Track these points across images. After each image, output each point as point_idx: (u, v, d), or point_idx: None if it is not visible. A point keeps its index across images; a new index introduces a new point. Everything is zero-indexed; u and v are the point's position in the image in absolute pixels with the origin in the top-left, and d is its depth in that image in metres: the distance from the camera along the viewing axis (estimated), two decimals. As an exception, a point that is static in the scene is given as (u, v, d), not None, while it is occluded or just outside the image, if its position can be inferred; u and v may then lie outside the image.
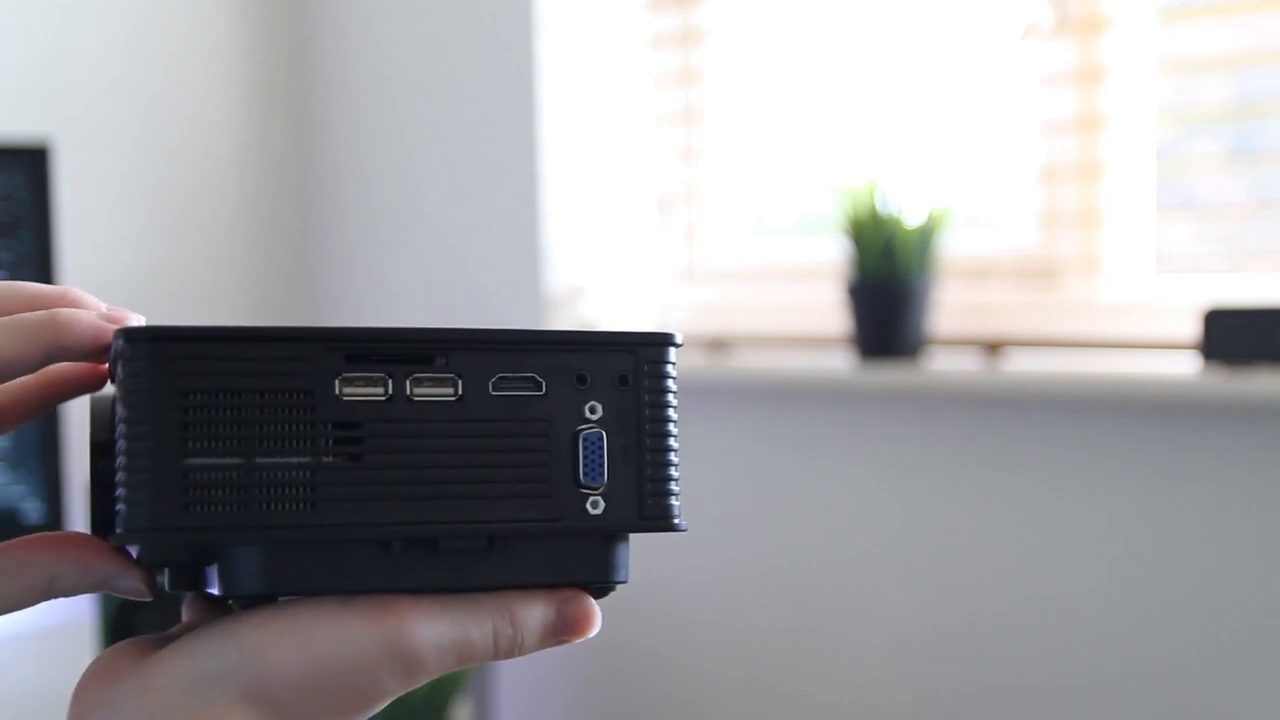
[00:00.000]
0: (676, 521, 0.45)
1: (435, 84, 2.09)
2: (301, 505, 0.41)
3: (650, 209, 2.05)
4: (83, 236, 1.88)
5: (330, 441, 0.42)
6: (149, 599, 0.47)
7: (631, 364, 0.44)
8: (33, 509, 1.36)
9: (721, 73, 1.97)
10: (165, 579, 0.46)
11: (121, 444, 0.41)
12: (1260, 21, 1.60)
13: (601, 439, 0.44)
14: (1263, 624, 1.47)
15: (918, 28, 1.82)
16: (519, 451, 0.43)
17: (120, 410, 0.42)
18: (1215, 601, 1.50)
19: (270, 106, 2.21)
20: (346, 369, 0.42)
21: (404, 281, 2.14)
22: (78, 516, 1.55)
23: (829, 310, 1.81)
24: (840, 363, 1.72)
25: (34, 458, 1.44)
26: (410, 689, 0.44)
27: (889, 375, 1.64)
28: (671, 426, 0.45)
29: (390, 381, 0.42)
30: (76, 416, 1.51)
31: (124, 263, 2.03)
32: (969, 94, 1.80)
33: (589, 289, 2.01)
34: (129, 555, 0.46)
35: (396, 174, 2.15)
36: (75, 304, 0.45)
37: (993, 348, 1.72)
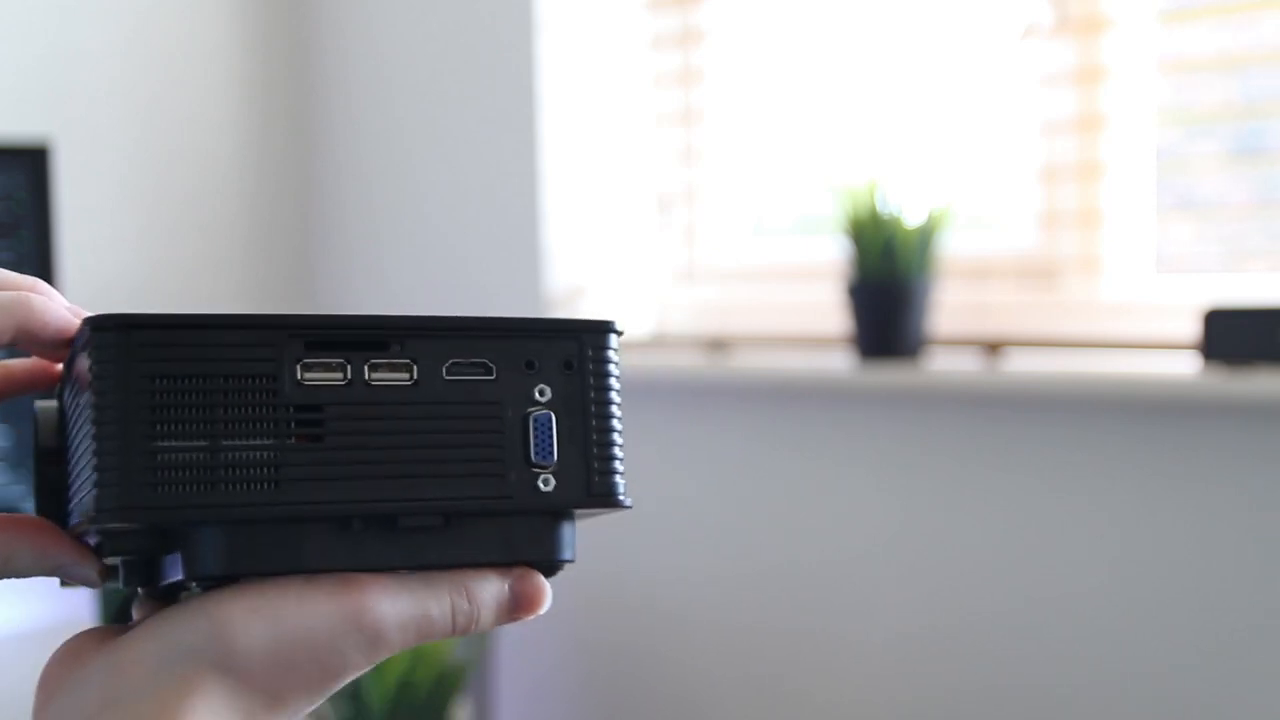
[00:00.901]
0: (622, 498, 0.47)
1: (435, 84, 2.09)
2: (266, 485, 0.43)
3: (650, 209, 2.05)
4: (83, 236, 1.88)
5: (293, 424, 0.43)
6: (98, 588, 0.48)
7: (576, 349, 0.47)
8: (32, 510, 1.36)
9: (721, 73, 1.97)
10: (120, 574, 0.47)
11: (88, 429, 0.42)
12: (1260, 21, 1.60)
13: (551, 420, 0.46)
14: (1263, 624, 1.47)
15: (918, 28, 1.82)
16: (472, 432, 0.45)
17: (87, 397, 0.43)
18: (1215, 601, 1.50)
19: (270, 106, 2.21)
20: (306, 355, 0.44)
21: (404, 281, 2.14)
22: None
23: (829, 310, 1.81)
24: (840, 363, 1.72)
25: (33, 458, 1.44)
26: (373, 664, 0.45)
27: (889, 375, 1.64)
28: (615, 409, 0.47)
29: (349, 366, 0.44)
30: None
31: (124, 263, 2.03)
32: (969, 94, 1.80)
33: (589, 289, 2.01)
34: (85, 544, 0.47)
35: (396, 174, 2.15)
36: (44, 295, 0.46)
37: (993, 348, 1.72)
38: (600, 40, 2.02)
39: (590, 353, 0.47)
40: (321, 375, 0.44)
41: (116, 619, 1.74)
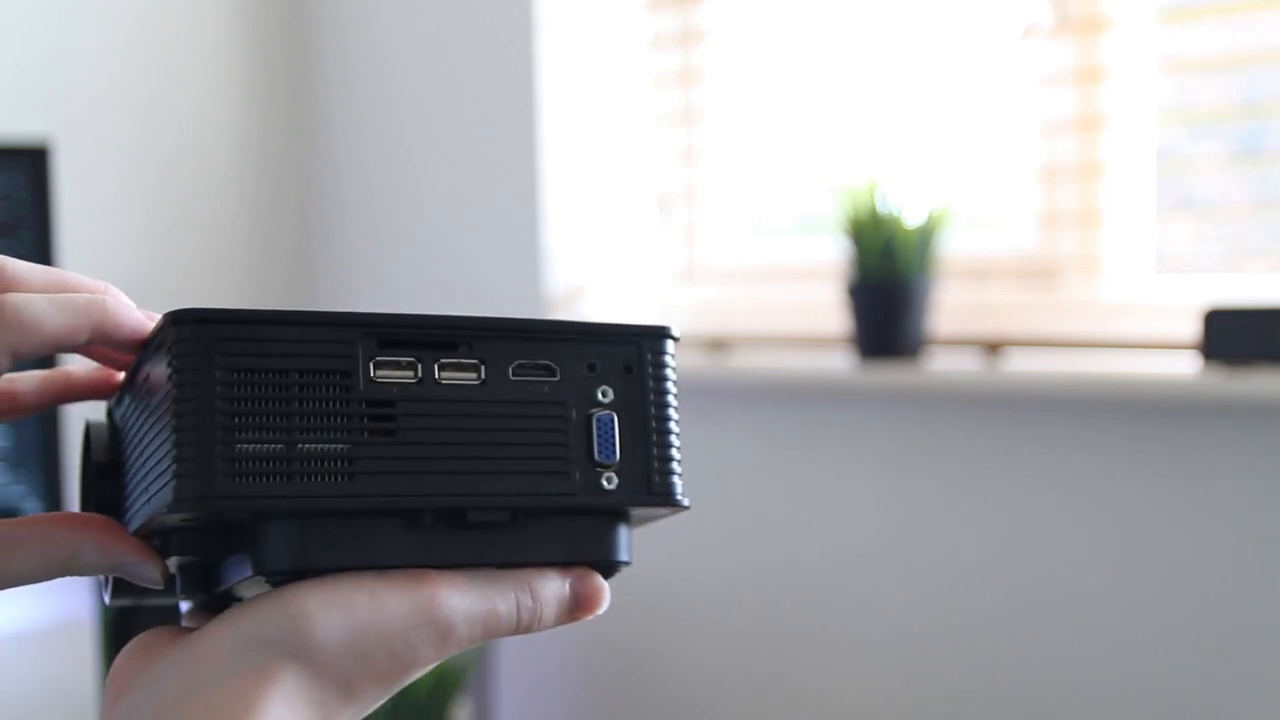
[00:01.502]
0: (680, 498, 0.48)
1: (435, 84, 2.09)
2: (340, 479, 0.44)
3: (650, 209, 2.05)
4: (83, 236, 1.88)
5: (365, 419, 0.44)
6: (161, 587, 0.48)
7: (635, 354, 0.48)
8: (33, 509, 1.36)
9: (721, 73, 1.97)
10: (178, 581, 0.48)
11: (166, 421, 0.43)
12: (1261, 22, 1.60)
13: (613, 420, 0.47)
14: (1263, 624, 1.47)
15: (918, 28, 1.82)
16: (537, 431, 0.46)
17: (163, 393, 0.44)
18: (1215, 601, 1.50)
19: (270, 106, 2.21)
20: (379, 353, 0.45)
21: (404, 281, 2.14)
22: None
23: (829, 310, 1.81)
24: (840, 363, 1.72)
25: (34, 458, 1.44)
26: (442, 658, 0.46)
27: (889, 375, 1.64)
28: (673, 411, 0.48)
29: (419, 365, 0.45)
30: (76, 418, 1.51)
31: (124, 263, 2.03)
32: (969, 94, 1.80)
33: (589, 289, 2.01)
34: (148, 544, 0.47)
35: (396, 174, 2.15)
36: (116, 298, 0.47)
37: (993, 348, 1.72)
38: (600, 40, 2.02)
39: (649, 357, 0.48)
40: (393, 373, 0.45)
41: (116, 621, 1.74)
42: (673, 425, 0.48)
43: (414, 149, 2.12)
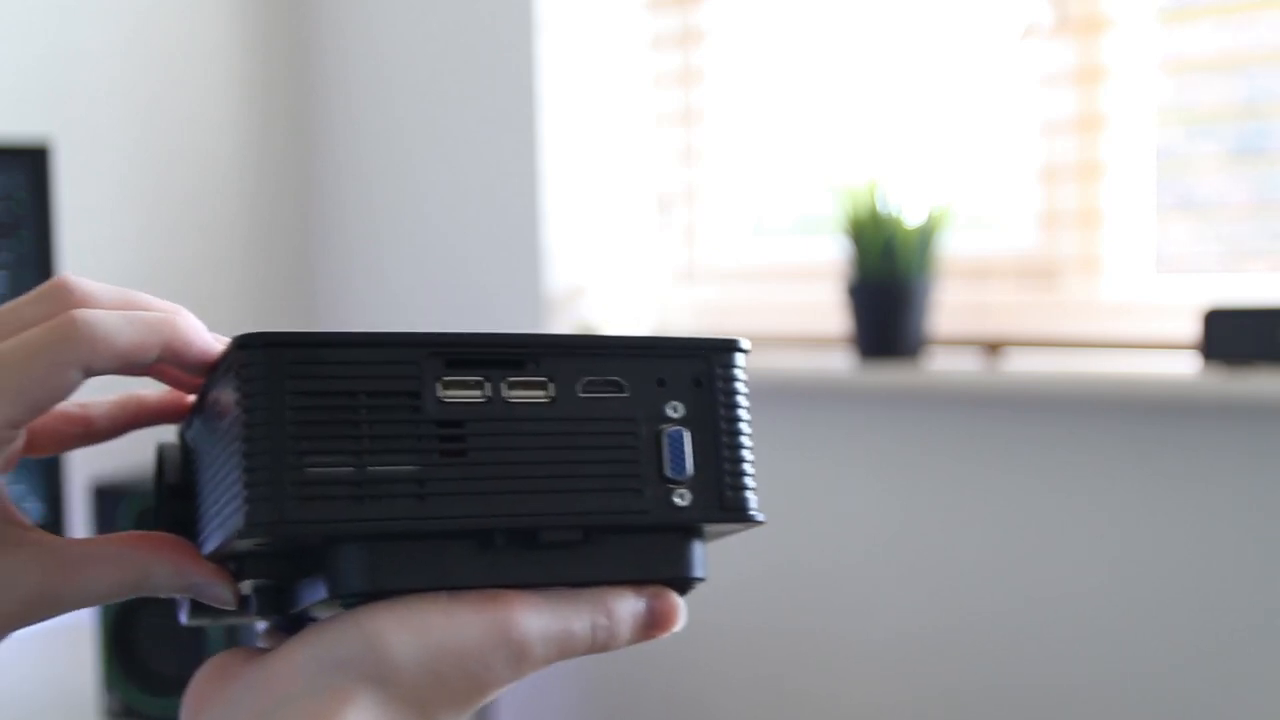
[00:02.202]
0: (754, 513, 0.47)
1: (435, 84, 2.09)
2: (411, 500, 0.43)
3: (650, 209, 2.05)
4: (83, 236, 1.88)
5: (435, 440, 0.44)
6: (233, 608, 0.48)
7: (705, 367, 0.47)
8: (33, 509, 1.36)
9: (721, 73, 1.97)
10: (253, 603, 0.47)
11: (236, 446, 0.43)
12: (1261, 22, 1.60)
13: (684, 435, 0.46)
14: (1263, 624, 1.47)
15: (917, 28, 1.82)
16: (608, 448, 0.46)
17: (232, 417, 0.43)
18: (1215, 601, 1.50)
19: (270, 106, 2.21)
20: (447, 373, 0.44)
21: (404, 281, 2.14)
22: (78, 517, 1.55)
23: (829, 310, 1.81)
24: (840, 363, 1.72)
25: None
26: (516, 679, 0.45)
27: (889, 375, 1.64)
28: (744, 425, 0.48)
29: (487, 384, 0.45)
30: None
31: (124, 263, 2.03)
32: (969, 94, 1.80)
33: (589, 289, 2.01)
34: (219, 566, 0.47)
35: (396, 174, 2.15)
36: (186, 318, 0.47)
37: (993, 348, 1.72)
38: (600, 40, 2.02)
39: (718, 370, 0.47)
40: (461, 393, 0.44)
41: (116, 623, 1.73)
42: (745, 439, 0.47)
43: (414, 149, 2.12)
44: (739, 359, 0.48)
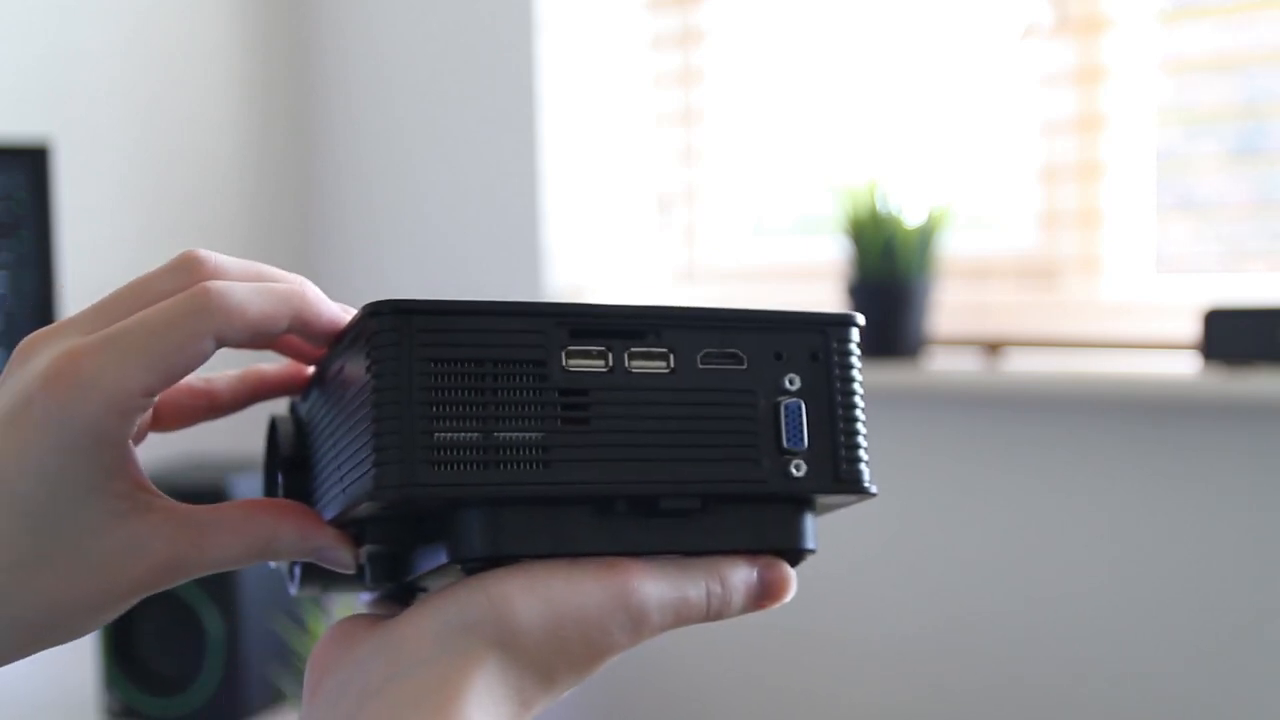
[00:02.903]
0: (868, 485, 0.48)
1: (435, 84, 2.09)
2: (535, 466, 0.44)
3: (650, 209, 2.05)
4: (83, 236, 1.88)
5: (559, 408, 0.45)
6: (352, 572, 0.49)
7: (821, 342, 0.49)
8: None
9: (721, 73, 1.97)
10: (367, 570, 0.48)
11: (366, 411, 0.44)
12: (1261, 22, 1.60)
13: (801, 408, 0.47)
14: (1262, 624, 1.47)
15: (917, 28, 1.82)
16: (727, 419, 0.46)
17: (361, 383, 0.44)
18: (1215, 601, 1.50)
19: (270, 106, 2.21)
20: (571, 342, 0.45)
21: (404, 281, 2.14)
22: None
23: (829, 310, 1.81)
24: (840, 363, 1.72)
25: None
26: (634, 645, 0.46)
27: (889, 375, 1.64)
28: (858, 399, 0.49)
29: (610, 354, 0.46)
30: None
31: (124, 263, 2.03)
32: (969, 94, 1.80)
33: (589, 289, 2.01)
34: (341, 531, 0.48)
35: (396, 174, 2.15)
36: (313, 290, 0.48)
37: (993, 348, 1.72)
38: (600, 40, 2.02)
39: (835, 345, 0.49)
40: (585, 362, 0.45)
41: (116, 622, 1.73)
42: (859, 413, 0.48)
43: (414, 149, 2.12)
44: (854, 334, 0.49)
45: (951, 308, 1.74)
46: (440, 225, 2.10)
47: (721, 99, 1.98)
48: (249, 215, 2.18)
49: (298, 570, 0.53)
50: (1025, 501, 1.61)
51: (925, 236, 1.64)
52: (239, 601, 1.63)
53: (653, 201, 2.05)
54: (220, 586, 1.64)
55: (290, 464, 0.52)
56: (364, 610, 0.52)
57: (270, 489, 0.52)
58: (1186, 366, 1.49)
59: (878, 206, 1.65)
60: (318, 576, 0.52)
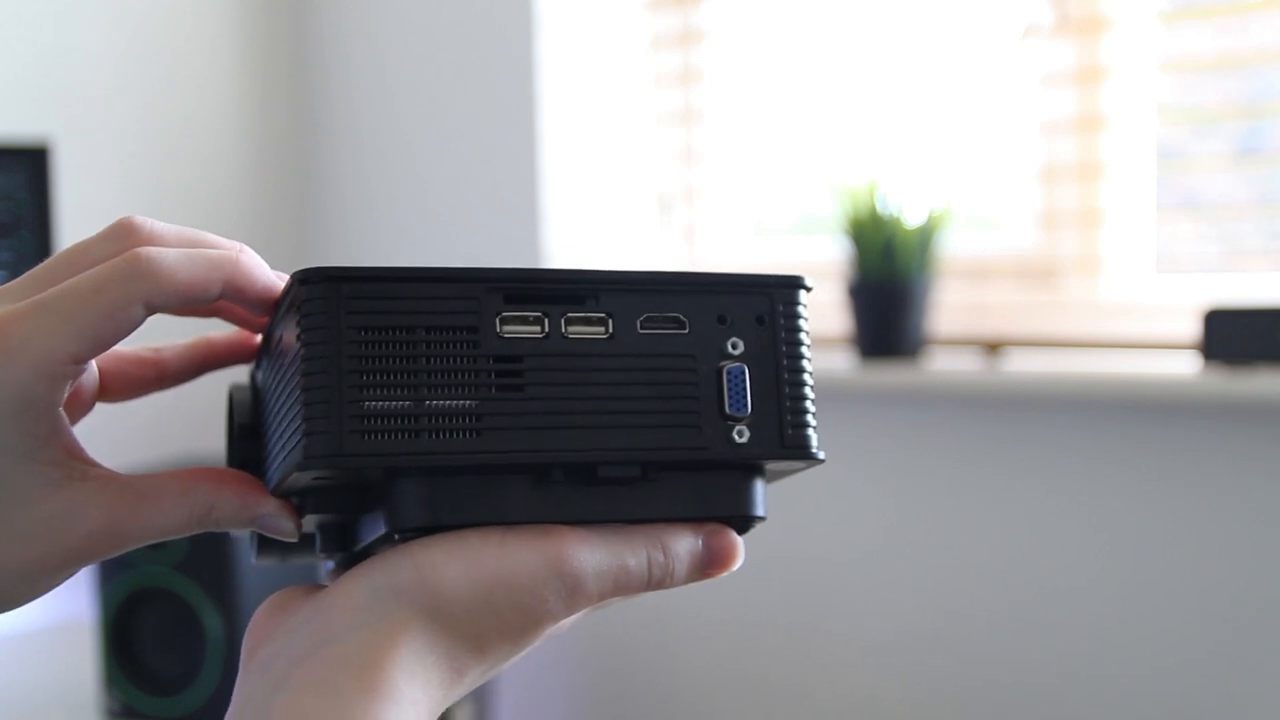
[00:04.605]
0: (815, 451, 0.47)
1: (435, 83, 2.09)
2: (468, 434, 0.43)
3: (650, 209, 2.05)
4: (82, 236, 1.88)
5: (493, 375, 0.44)
6: (295, 540, 0.49)
7: (767, 305, 0.47)
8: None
9: (721, 73, 1.97)
10: (316, 540, 0.48)
11: (296, 381, 0.43)
12: (1261, 22, 1.60)
13: (744, 372, 0.46)
14: (1262, 623, 1.47)
15: (917, 28, 1.82)
16: (667, 384, 0.45)
17: (293, 353, 0.44)
18: (1215, 601, 1.50)
19: (270, 106, 2.21)
20: (506, 308, 0.44)
21: (404, 281, 2.14)
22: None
23: (829, 310, 1.81)
24: (840, 362, 1.72)
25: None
26: (571, 614, 0.45)
27: (889, 375, 1.64)
28: (806, 364, 0.47)
29: (546, 320, 0.45)
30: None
31: (124, 263, 2.03)
32: (969, 94, 1.80)
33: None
34: (285, 499, 0.48)
35: (397, 173, 2.15)
36: (250, 256, 0.47)
37: (993, 348, 1.72)
38: (600, 40, 2.02)
39: (781, 308, 0.47)
40: (520, 328, 0.44)
41: (116, 620, 1.72)
42: (807, 378, 0.47)
43: (414, 149, 2.12)
44: (802, 296, 0.48)
45: (951, 308, 1.74)
46: (440, 225, 2.10)
47: (721, 99, 1.98)
48: (249, 214, 2.18)
49: (254, 539, 0.52)
50: (1025, 501, 1.61)
51: (925, 236, 1.64)
52: (239, 601, 1.63)
53: (653, 201, 2.05)
54: (220, 586, 1.64)
55: (245, 432, 0.51)
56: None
57: (230, 457, 0.52)
58: (1186, 366, 1.49)
59: (878, 206, 1.65)
60: (274, 546, 0.52)
